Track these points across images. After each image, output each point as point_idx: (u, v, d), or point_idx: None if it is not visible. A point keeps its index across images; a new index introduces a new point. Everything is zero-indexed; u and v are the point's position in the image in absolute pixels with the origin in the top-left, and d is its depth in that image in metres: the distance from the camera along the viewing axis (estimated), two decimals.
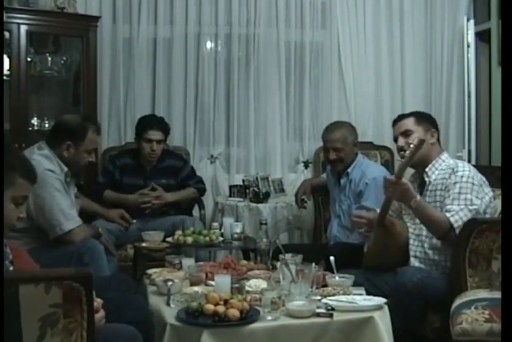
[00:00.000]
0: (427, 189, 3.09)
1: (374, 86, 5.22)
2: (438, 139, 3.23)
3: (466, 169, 2.99)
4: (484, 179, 3.05)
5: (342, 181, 3.86)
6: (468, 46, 5.01)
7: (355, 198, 3.77)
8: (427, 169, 3.10)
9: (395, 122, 3.29)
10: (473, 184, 2.94)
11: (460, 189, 2.93)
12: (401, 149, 3.17)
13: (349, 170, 3.83)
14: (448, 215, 2.88)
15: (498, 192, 3.05)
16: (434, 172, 3.09)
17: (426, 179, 3.09)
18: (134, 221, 4.09)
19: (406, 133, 3.17)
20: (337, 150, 3.80)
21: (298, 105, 5.16)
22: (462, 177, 2.95)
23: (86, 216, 3.77)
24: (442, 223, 2.88)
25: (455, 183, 2.95)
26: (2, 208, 1.96)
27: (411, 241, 3.09)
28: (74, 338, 1.76)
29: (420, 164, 3.13)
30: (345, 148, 3.80)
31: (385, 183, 2.91)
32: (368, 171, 3.77)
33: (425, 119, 3.25)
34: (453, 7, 5.16)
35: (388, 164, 4.89)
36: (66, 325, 1.74)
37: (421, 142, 2.80)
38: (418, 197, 2.90)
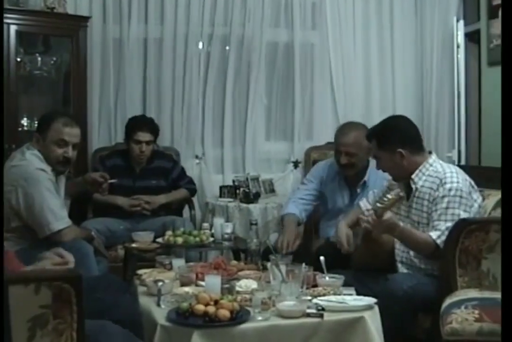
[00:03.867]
0: (414, 195, 3.02)
1: (364, 86, 5.23)
2: (418, 147, 3.05)
3: (454, 181, 2.90)
4: (473, 183, 3.00)
5: (359, 190, 3.73)
6: (458, 46, 5.02)
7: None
8: (413, 176, 3.00)
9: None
10: (461, 197, 2.88)
11: (448, 203, 2.87)
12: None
13: (365, 178, 3.70)
14: (432, 234, 2.85)
15: (488, 192, 3.06)
16: (421, 178, 3.00)
17: (413, 186, 3.01)
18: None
19: (375, 157, 3.14)
20: (349, 155, 3.62)
21: (290, 106, 5.17)
22: (450, 190, 2.87)
23: (76, 217, 3.74)
24: (428, 244, 2.86)
25: (443, 197, 2.89)
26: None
27: (397, 245, 3.07)
28: (64, 339, 1.76)
29: (402, 178, 3.09)
30: (358, 154, 3.61)
31: (368, 221, 2.83)
32: (385, 174, 3.65)
33: (388, 139, 3.02)
34: (443, 8, 5.16)
35: None
36: (56, 326, 1.74)
37: (401, 198, 2.80)
38: (401, 225, 2.86)
